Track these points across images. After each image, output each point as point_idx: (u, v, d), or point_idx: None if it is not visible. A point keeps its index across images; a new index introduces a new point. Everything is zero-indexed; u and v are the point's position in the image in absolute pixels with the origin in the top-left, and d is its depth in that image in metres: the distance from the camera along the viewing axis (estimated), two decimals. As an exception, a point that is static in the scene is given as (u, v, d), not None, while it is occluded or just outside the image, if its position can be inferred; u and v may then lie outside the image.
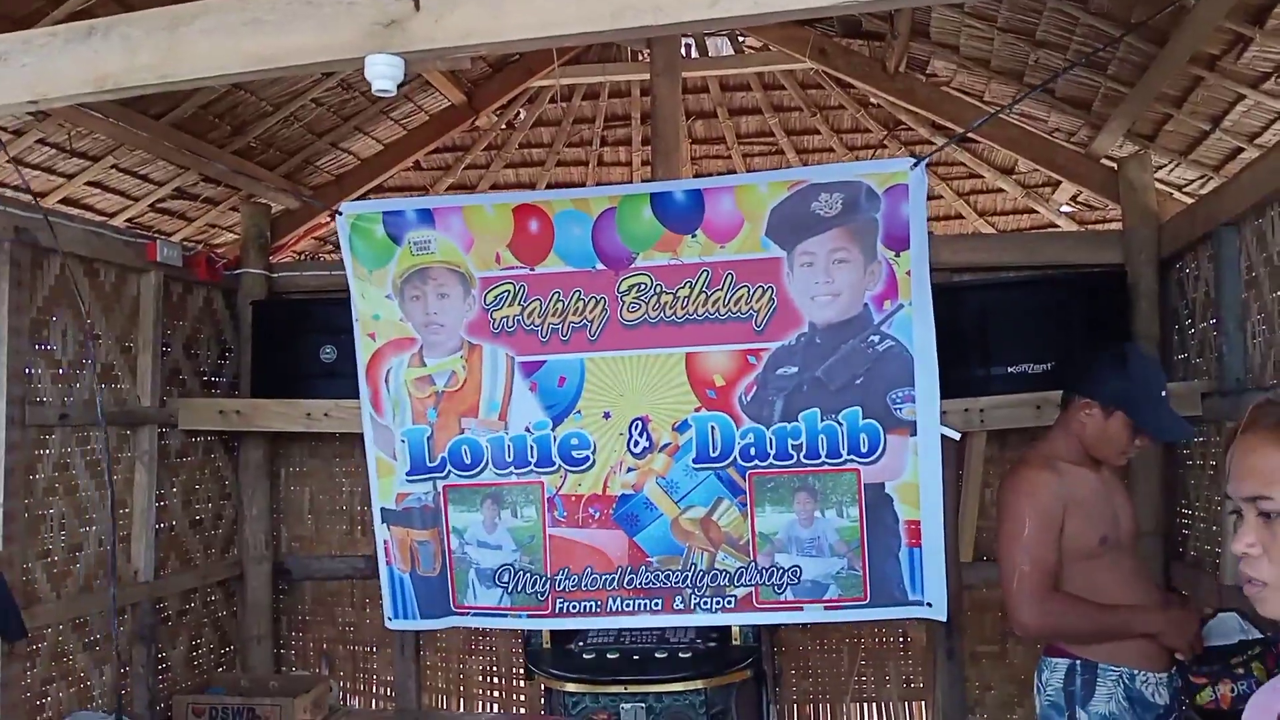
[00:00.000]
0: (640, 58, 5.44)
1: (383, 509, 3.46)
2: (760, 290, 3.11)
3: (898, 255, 3.02)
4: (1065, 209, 5.56)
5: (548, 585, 3.33)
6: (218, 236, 5.34)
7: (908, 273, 3.02)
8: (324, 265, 4.96)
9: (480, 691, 4.60)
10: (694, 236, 3.12)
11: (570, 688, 3.37)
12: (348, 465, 4.74)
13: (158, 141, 4.19)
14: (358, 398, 3.99)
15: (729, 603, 3.25)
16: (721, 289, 3.13)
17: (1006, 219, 5.96)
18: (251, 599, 4.60)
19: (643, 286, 3.17)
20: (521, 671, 4.47)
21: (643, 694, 3.29)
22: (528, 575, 3.35)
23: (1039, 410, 3.51)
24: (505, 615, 3.39)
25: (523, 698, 4.61)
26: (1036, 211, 5.71)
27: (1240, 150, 3.78)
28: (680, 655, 3.45)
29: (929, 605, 3.15)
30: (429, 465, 3.38)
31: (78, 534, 3.71)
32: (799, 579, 3.20)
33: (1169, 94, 3.70)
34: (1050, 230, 5.60)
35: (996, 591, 3.90)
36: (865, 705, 4.46)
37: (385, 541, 3.48)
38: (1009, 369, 3.80)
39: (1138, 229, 4.00)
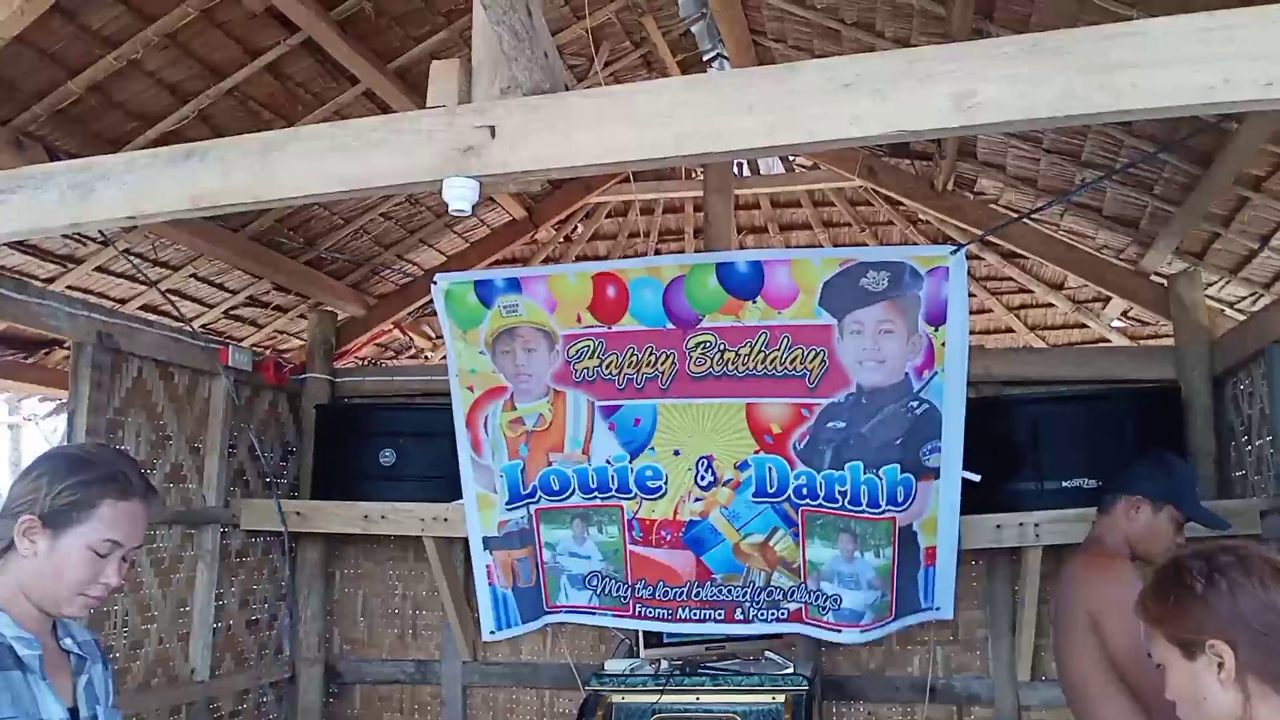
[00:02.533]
0: (694, 175, 5.63)
1: (485, 538, 3.83)
2: (813, 352, 3.35)
3: (936, 330, 3.25)
4: (1117, 324, 5.58)
5: (629, 591, 3.72)
6: (285, 342, 5.54)
7: (943, 344, 3.26)
8: (385, 371, 5.13)
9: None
10: (754, 302, 3.37)
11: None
12: (401, 568, 4.79)
13: (235, 253, 4.41)
14: (414, 501, 4.13)
15: (782, 614, 3.61)
16: (779, 349, 3.38)
17: (1057, 333, 5.99)
18: (303, 701, 4.62)
19: (708, 344, 3.44)
20: None
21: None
22: (613, 581, 3.74)
23: (1094, 525, 3.48)
24: (594, 613, 3.82)
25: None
26: (1087, 326, 5.74)
27: (1290, 268, 3.82)
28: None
29: (938, 609, 3.52)
30: (523, 493, 3.74)
31: (139, 631, 3.79)
32: (839, 606, 3.52)
33: (1216, 213, 3.76)
34: (1102, 345, 5.61)
35: (1058, 713, 3.81)
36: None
37: (488, 565, 3.85)
38: (1063, 483, 3.79)
39: (1190, 345, 4.02)
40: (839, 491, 3.41)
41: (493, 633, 3.91)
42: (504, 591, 3.86)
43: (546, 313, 3.53)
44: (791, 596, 3.59)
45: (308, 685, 4.63)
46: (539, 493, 3.71)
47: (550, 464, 3.67)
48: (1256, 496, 3.52)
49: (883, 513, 3.37)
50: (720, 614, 3.65)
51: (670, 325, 3.44)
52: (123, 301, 4.48)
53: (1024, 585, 3.92)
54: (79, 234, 3.89)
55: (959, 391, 3.28)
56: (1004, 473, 3.80)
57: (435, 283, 3.65)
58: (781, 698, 3.59)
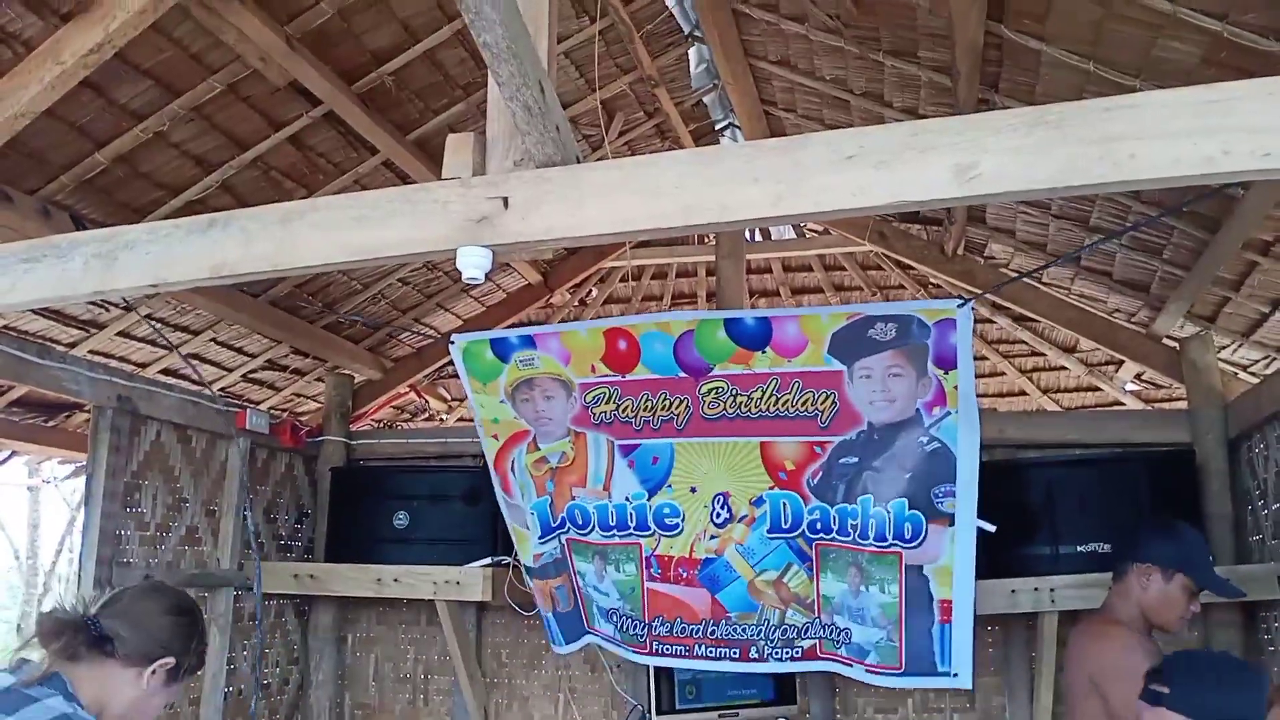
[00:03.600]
0: (707, 240, 5.70)
1: (526, 567, 4.00)
2: (824, 395, 3.41)
3: (946, 373, 3.28)
4: (1130, 387, 5.57)
5: (645, 630, 3.81)
6: (302, 405, 5.59)
7: (955, 387, 3.28)
8: (401, 434, 5.16)
9: None
10: (763, 352, 3.42)
11: None
12: (413, 632, 4.77)
13: (255, 318, 4.47)
14: (427, 564, 4.13)
15: (796, 653, 3.67)
16: (790, 393, 3.44)
17: (1070, 396, 5.98)
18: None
19: (720, 390, 3.51)
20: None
21: None
22: (629, 619, 3.85)
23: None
24: (619, 645, 3.92)
25: None
26: (1100, 389, 5.73)
27: (1302, 332, 3.82)
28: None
29: (955, 675, 3.43)
30: (553, 526, 3.85)
31: (151, 695, 3.77)
32: (850, 640, 3.58)
33: (1226, 278, 3.78)
34: (1115, 409, 5.60)
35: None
36: None
37: (534, 589, 4.05)
38: (1078, 548, 3.77)
39: (1204, 409, 4.01)
40: (850, 525, 3.46)
41: (554, 647, 4.13)
42: (548, 614, 4.06)
43: (561, 364, 3.61)
44: (806, 633, 3.64)
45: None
46: (567, 524, 3.83)
47: (574, 498, 3.77)
48: (1274, 561, 3.49)
49: (888, 546, 3.40)
50: (735, 652, 3.71)
51: (682, 374, 3.51)
52: (144, 365, 4.54)
53: (1040, 651, 3.87)
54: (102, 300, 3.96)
55: (972, 437, 3.30)
56: (1019, 537, 3.78)
57: (453, 342, 3.72)
58: (796, 767, 3.56)
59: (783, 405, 3.45)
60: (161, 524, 3.90)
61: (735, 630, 3.70)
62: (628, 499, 3.71)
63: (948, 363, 3.26)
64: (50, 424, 4.71)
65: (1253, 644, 3.75)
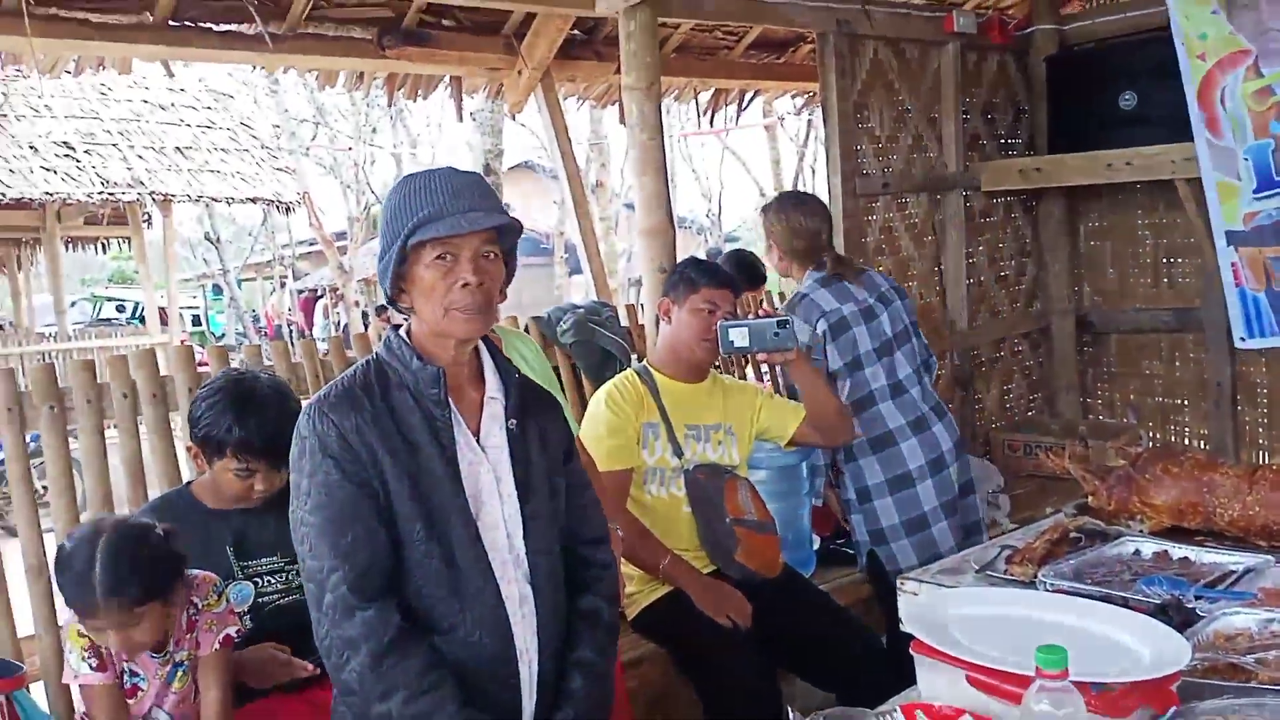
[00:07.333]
0: None
1: (1228, 232, 3.46)
2: None
3: None
4: None
5: None
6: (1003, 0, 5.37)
7: None
8: (1117, 8, 4.71)
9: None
10: None
11: None
12: (1151, 217, 4.59)
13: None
14: (1157, 144, 3.86)
15: None
16: None
17: None
18: (1058, 350, 4.83)
19: None
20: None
21: None
22: None
23: None
24: None
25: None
26: None
27: None
28: None
29: None
30: (1277, 179, 3.31)
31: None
32: None
33: None
34: None
35: None
36: None
37: (1234, 264, 3.49)
38: None
39: None
40: None
41: (1242, 339, 3.58)
42: (1255, 294, 3.48)
43: None
44: None
45: (1060, 335, 4.82)
46: None
47: None
48: None
49: None
50: None
51: None
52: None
53: None
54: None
55: None
56: None
57: None
58: None
59: None
60: (890, 136, 4.19)
61: None
62: None
63: None
64: (781, 59, 5.22)
65: None
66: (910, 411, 2.91)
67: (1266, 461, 4.26)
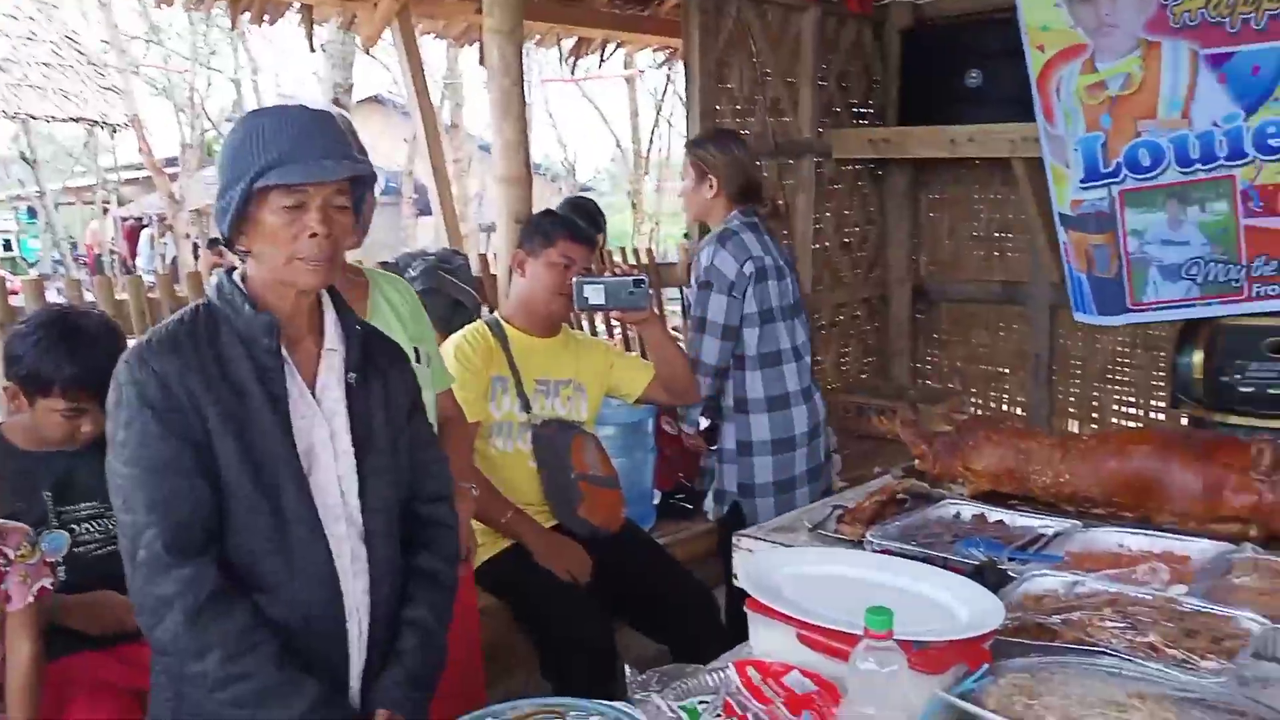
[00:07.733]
0: None
1: (1059, 214, 3.61)
2: None
3: None
4: None
5: (1243, 273, 3.30)
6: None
7: None
8: (968, -11, 4.87)
9: (1114, 421, 4.57)
10: None
11: (1232, 419, 3.25)
12: (987, 193, 4.81)
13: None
14: (1001, 123, 4.02)
15: None
16: None
17: None
18: (894, 316, 5.03)
19: None
20: (1162, 402, 4.36)
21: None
22: (1217, 265, 3.33)
23: None
24: (1193, 305, 3.42)
25: (1160, 433, 4.50)
26: None
27: None
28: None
29: None
30: (1103, 171, 3.42)
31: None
32: None
33: None
34: None
35: None
36: None
37: (1064, 244, 3.64)
38: None
39: None
40: None
41: (1076, 314, 3.74)
42: (1079, 275, 3.63)
43: None
44: None
45: (898, 303, 5.01)
46: (1124, 171, 3.37)
47: (1139, 134, 3.30)
48: None
49: None
50: None
51: None
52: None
53: None
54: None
55: None
56: None
57: None
58: None
59: None
60: (748, 97, 4.22)
61: None
62: (1215, 124, 3.17)
63: None
64: (645, 12, 5.17)
65: None
66: (804, 378, 2.94)
67: (1077, 430, 4.56)
